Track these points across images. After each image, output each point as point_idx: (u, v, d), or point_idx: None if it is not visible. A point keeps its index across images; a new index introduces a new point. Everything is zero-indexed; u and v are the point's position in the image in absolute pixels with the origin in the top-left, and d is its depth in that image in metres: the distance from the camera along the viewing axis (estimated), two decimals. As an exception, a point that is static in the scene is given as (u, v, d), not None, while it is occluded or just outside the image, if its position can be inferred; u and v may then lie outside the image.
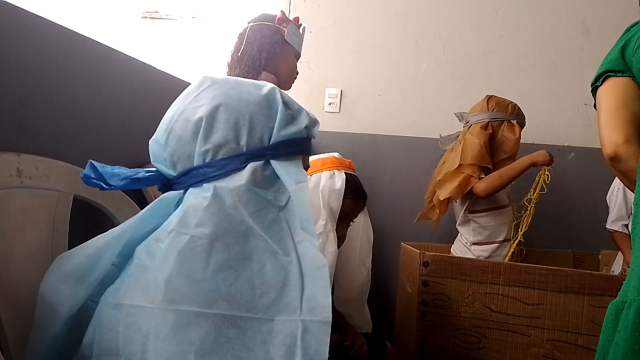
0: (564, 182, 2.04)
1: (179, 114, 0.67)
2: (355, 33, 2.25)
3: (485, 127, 1.70)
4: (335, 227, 1.22)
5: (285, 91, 0.72)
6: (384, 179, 2.16)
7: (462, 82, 2.17)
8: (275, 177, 0.66)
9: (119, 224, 0.88)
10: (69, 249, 0.80)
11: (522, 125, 1.71)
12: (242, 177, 0.63)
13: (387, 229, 2.07)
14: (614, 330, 0.90)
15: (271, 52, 1.43)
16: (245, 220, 0.61)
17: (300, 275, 0.60)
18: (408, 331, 1.61)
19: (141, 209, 0.96)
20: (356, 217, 1.26)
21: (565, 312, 1.42)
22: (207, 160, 0.65)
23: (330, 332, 0.57)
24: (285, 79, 1.54)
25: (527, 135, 1.85)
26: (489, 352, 1.47)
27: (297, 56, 1.56)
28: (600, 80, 1.09)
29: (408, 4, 2.22)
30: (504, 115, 1.68)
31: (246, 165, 0.64)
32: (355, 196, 1.27)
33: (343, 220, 1.23)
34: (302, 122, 0.69)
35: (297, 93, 1.79)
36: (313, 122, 0.70)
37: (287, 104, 0.68)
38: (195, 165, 0.65)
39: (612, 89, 1.05)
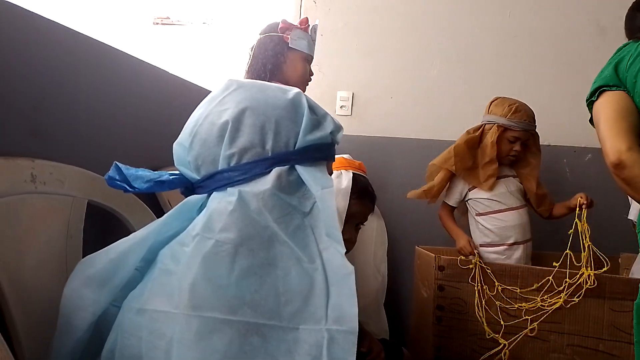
0: (581, 184, 2.00)
1: (204, 117, 0.66)
2: (366, 36, 2.24)
3: (475, 130, 1.71)
4: (341, 229, 1.18)
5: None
6: (397, 182, 2.13)
7: (475, 84, 2.14)
8: (300, 183, 0.65)
9: (133, 229, 0.89)
10: (83, 255, 0.80)
11: (518, 128, 1.64)
12: (267, 182, 0.62)
13: (400, 232, 2.04)
14: None
15: (275, 63, 1.45)
16: (269, 225, 0.60)
17: (325, 283, 0.59)
18: (424, 336, 1.59)
19: (155, 214, 0.96)
20: (364, 219, 1.21)
21: (586, 317, 1.39)
22: (232, 164, 0.64)
23: (357, 342, 0.55)
24: (297, 84, 1.54)
25: (543, 137, 1.82)
26: (508, 357, 1.44)
27: (309, 58, 1.56)
28: (596, 95, 1.15)
29: (419, 6, 2.20)
30: (495, 118, 1.67)
31: (271, 170, 0.63)
32: (360, 196, 1.22)
33: (349, 222, 1.19)
34: (328, 127, 0.68)
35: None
36: (338, 128, 0.69)
37: (312, 108, 0.67)
38: (219, 169, 0.64)
39: (608, 102, 1.11)
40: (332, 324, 0.56)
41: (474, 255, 1.55)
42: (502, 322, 1.45)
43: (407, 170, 2.13)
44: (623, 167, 1.06)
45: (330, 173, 0.71)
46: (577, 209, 1.50)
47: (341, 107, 2.22)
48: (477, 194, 1.69)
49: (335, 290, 0.58)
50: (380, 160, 2.14)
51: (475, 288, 1.47)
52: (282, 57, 1.47)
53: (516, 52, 2.12)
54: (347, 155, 1.40)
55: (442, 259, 1.52)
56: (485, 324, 1.46)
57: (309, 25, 1.56)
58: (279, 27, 1.49)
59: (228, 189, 0.63)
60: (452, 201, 1.73)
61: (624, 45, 1.20)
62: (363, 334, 1.24)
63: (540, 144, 1.78)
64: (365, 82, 2.23)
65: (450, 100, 2.17)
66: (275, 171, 0.63)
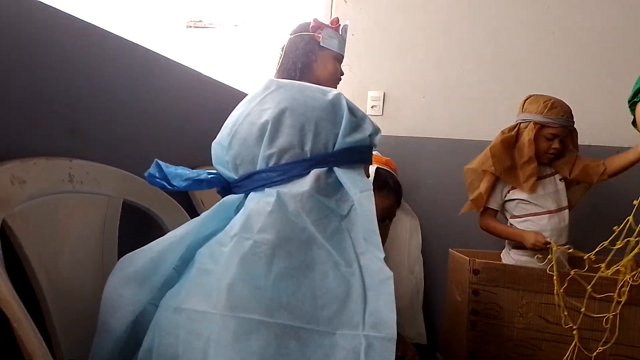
0: (624, 186, 1.91)
1: (244, 116, 0.66)
2: (397, 34, 2.21)
3: (511, 129, 1.65)
4: None
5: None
6: (430, 182, 2.10)
7: (509, 82, 2.08)
8: (338, 185, 0.64)
9: (167, 228, 0.89)
10: (118, 253, 0.81)
11: (556, 124, 1.57)
12: (305, 184, 0.62)
13: (433, 234, 2.00)
14: None
15: (306, 62, 1.46)
16: (307, 228, 0.59)
17: (362, 288, 0.57)
18: (458, 341, 1.55)
19: (188, 214, 0.97)
20: (388, 214, 1.15)
21: (631, 325, 1.32)
22: (270, 165, 0.63)
23: (395, 349, 0.54)
24: (328, 83, 1.54)
25: (583, 137, 1.75)
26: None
27: (339, 58, 1.56)
28: (639, 96, 1.14)
29: (451, 2, 2.16)
30: (531, 116, 1.60)
31: (309, 172, 0.63)
32: (379, 188, 1.15)
33: None
34: (367, 129, 0.67)
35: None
36: (376, 130, 0.68)
37: (352, 110, 0.66)
38: (258, 169, 0.64)
39: None
40: (370, 330, 0.55)
41: (550, 243, 1.44)
42: (539, 329, 1.39)
43: (439, 170, 2.09)
44: None
45: (368, 176, 0.69)
46: None
47: (372, 107, 2.20)
48: (513, 195, 1.64)
49: (373, 295, 0.57)
50: (412, 160, 2.11)
51: (555, 288, 1.34)
52: (313, 56, 1.48)
53: (554, 49, 2.05)
54: (376, 152, 1.38)
55: (476, 262, 1.48)
56: (521, 330, 1.41)
57: (339, 24, 1.55)
58: (311, 26, 1.49)
59: (266, 189, 0.63)
60: (495, 204, 1.68)
61: None
62: (397, 338, 1.22)
63: (581, 144, 1.71)
64: (397, 81, 2.21)
65: (483, 99, 2.11)
66: (314, 173, 0.62)
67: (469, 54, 2.14)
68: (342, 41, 1.55)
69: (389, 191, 1.20)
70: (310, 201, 0.61)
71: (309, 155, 0.63)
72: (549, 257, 1.39)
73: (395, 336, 0.54)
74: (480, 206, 1.66)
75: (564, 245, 1.59)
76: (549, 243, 1.45)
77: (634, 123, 1.28)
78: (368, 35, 2.23)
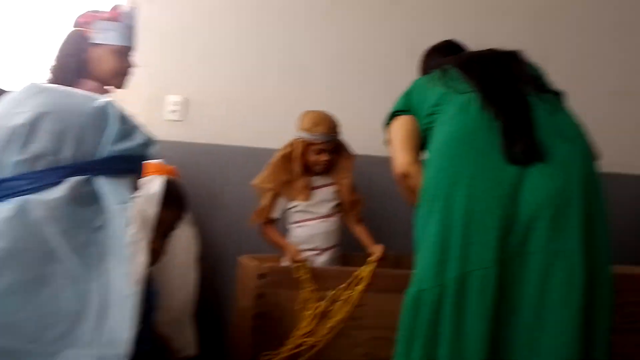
0: (391, 190, 2.16)
1: None
2: (203, 39, 2.19)
3: (287, 145, 1.80)
4: (148, 237, 1.10)
5: (122, 105, 0.68)
6: (230, 191, 2.11)
7: (306, 94, 2.18)
8: (95, 195, 0.61)
9: None
10: None
11: (319, 140, 1.76)
12: (57, 191, 0.58)
13: (228, 244, 2.04)
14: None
15: (79, 61, 1.36)
16: (50, 239, 0.56)
17: (102, 304, 0.56)
18: (244, 347, 1.60)
19: None
20: (170, 227, 1.17)
21: (385, 311, 1.49)
22: (20, 172, 0.58)
23: None
24: (111, 78, 1.44)
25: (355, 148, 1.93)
26: (319, 357, 1.52)
27: (122, 50, 1.43)
28: (391, 119, 1.40)
29: (258, 15, 2.22)
30: (301, 133, 1.79)
31: (65, 180, 0.59)
32: (165, 202, 1.14)
33: (157, 230, 1.08)
34: (137, 139, 0.66)
35: (133, 99, 1.66)
36: (149, 142, 0.67)
37: (121, 118, 0.65)
38: (4, 177, 0.58)
39: (401, 124, 1.36)
40: (104, 347, 0.54)
41: (304, 262, 1.60)
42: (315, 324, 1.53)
43: (241, 179, 2.10)
44: (409, 176, 1.28)
45: (137, 188, 0.68)
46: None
47: (172, 111, 2.14)
48: (292, 204, 1.80)
49: (113, 312, 0.56)
50: (213, 168, 2.11)
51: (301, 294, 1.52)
52: (84, 55, 1.36)
53: (336, 66, 2.25)
54: (161, 160, 1.36)
55: (262, 266, 1.56)
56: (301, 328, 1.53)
57: (119, 12, 1.43)
58: (77, 21, 1.38)
59: (12, 200, 0.57)
60: (275, 213, 1.80)
61: (416, 81, 1.45)
62: (169, 352, 1.22)
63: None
64: (201, 87, 2.18)
65: (285, 109, 2.19)
66: (69, 181, 0.59)
67: (270, 62, 2.21)
68: (125, 30, 1.42)
69: (171, 203, 1.19)
70: (61, 209, 0.58)
71: (67, 163, 0.60)
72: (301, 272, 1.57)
73: (128, 353, 0.54)
74: (264, 218, 1.78)
75: (333, 246, 1.81)
76: (303, 261, 1.61)
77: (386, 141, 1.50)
78: (171, 37, 2.17)
